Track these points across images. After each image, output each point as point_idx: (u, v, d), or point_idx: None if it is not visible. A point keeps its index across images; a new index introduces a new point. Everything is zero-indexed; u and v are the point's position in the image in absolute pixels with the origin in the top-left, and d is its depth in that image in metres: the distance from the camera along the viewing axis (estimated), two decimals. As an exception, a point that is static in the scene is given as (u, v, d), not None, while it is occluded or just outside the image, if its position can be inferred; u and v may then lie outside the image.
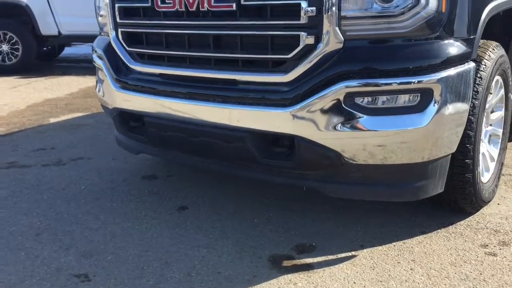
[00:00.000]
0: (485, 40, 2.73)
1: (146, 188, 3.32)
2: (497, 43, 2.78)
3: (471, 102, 2.46)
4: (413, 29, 2.15)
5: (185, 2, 2.45)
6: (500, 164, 3.08)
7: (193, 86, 2.56)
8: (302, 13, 2.19)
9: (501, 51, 2.75)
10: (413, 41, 2.18)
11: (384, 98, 2.18)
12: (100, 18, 3.03)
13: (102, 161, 3.86)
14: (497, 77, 2.80)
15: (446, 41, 2.21)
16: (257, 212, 2.90)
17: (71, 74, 8.18)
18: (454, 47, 2.23)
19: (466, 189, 2.61)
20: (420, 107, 2.19)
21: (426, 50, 2.18)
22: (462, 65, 2.27)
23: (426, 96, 2.18)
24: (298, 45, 2.23)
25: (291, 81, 2.28)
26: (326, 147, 2.26)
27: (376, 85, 2.17)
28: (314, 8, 2.18)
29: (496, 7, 2.46)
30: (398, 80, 2.16)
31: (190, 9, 2.45)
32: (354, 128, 2.21)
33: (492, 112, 2.99)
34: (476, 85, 2.48)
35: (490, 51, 2.62)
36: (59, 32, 8.38)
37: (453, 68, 2.22)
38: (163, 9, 2.56)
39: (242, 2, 2.30)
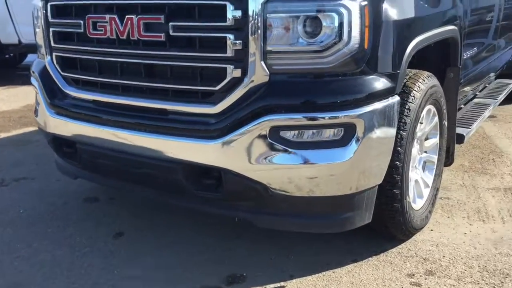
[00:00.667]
0: (417, 71, 2.79)
1: (85, 212, 3.28)
2: (429, 74, 2.85)
3: (399, 133, 2.51)
4: (337, 65, 2.19)
5: (116, 30, 2.43)
6: (435, 189, 3.15)
7: (125, 114, 2.54)
8: (228, 46, 2.20)
9: (432, 81, 2.81)
10: (337, 77, 2.21)
11: (308, 132, 2.21)
12: (37, 40, 2.99)
13: (45, 182, 3.80)
14: (429, 107, 2.86)
15: (369, 77, 2.25)
16: (195, 241, 2.89)
17: (30, 84, 8.02)
18: (377, 83, 2.27)
19: (395, 218, 2.66)
20: (343, 141, 2.22)
21: (349, 86, 2.22)
22: (385, 100, 2.31)
23: (349, 130, 2.21)
24: (225, 77, 2.24)
25: (219, 113, 2.28)
26: (253, 180, 2.28)
27: (300, 119, 2.19)
28: (240, 41, 2.19)
29: (422, 41, 2.51)
30: (322, 115, 2.18)
31: (121, 37, 2.43)
32: (279, 161, 2.23)
33: (426, 139, 3.06)
34: (404, 117, 2.53)
35: (420, 82, 2.68)
36: (19, 41, 8.26)
37: (376, 103, 2.26)
38: (95, 36, 2.54)
39: (171, 33, 2.30)
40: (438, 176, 3.16)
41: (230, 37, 2.19)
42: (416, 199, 2.93)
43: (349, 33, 2.15)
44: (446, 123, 3.13)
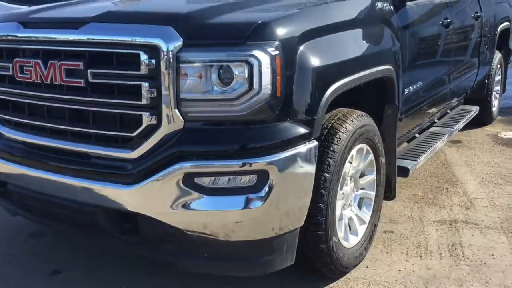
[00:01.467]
0: (348, 111, 2.83)
1: (27, 248, 3.29)
2: (361, 113, 2.88)
3: (322, 175, 2.54)
4: (249, 113, 2.22)
5: (40, 75, 2.47)
6: (373, 226, 3.17)
7: (51, 157, 2.56)
8: (143, 94, 2.23)
9: (363, 120, 2.84)
10: (250, 124, 2.25)
11: (222, 178, 2.23)
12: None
13: (-5, 215, 3.81)
14: (361, 145, 2.89)
15: (282, 124, 2.28)
16: (129, 280, 2.90)
17: None
18: (291, 129, 2.30)
19: (322, 258, 2.68)
20: (257, 188, 2.24)
21: (262, 133, 2.25)
22: (301, 145, 2.34)
23: (262, 177, 2.24)
24: (142, 124, 2.27)
25: (136, 158, 2.31)
26: (169, 225, 2.29)
27: (214, 166, 2.22)
28: (155, 89, 2.22)
29: (342, 86, 2.54)
30: (235, 162, 2.21)
31: (45, 82, 2.47)
32: (194, 207, 2.25)
33: (362, 176, 3.09)
34: (328, 159, 2.56)
35: (348, 123, 2.71)
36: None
37: (290, 149, 2.28)
38: (23, 79, 2.58)
39: (90, 80, 2.34)
40: (376, 212, 3.18)
41: (145, 85, 2.23)
42: (350, 237, 2.95)
43: (260, 82, 2.19)
44: (383, 160, 3.16)
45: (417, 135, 4.43)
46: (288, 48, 2.28)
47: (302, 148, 2.34)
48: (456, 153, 5.34)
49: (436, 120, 4.97)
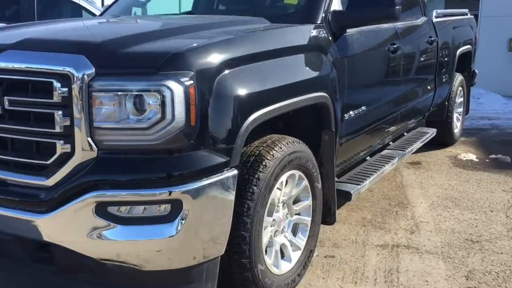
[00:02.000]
0: (279, 137, 2.84)
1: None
2: (293, 140, 2.89)
3: (245, 203, 2.54)
4: (163, 142, 2.22)
5: (-40, 101, 2.45)
6: (309, 251, 3.16)
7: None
8: (56, 122, 2.22)
9: (293, 147, 2.85)
10: (164, 153, 2.24)
11: (135, 208, 2.22)
12: None
13: None
14: (292, 172, 2.90)
15: (197, 153, 2.28)
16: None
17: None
18: (206, 159, 2.30)
19: (248, 286, 2.66)
20: (170, 218, 2.23)
21: (176, 162, 2.24)
22: (218, 174, 2.33)
23: (176, 206, 2.23)
24: (56, 152, 2.26)
25: (51, 186, 2.29)
26: (83, 254, 2.27)
27: (126, 195, 2.21)
28: (68, 118, 2.22)
29: (264, 115, 2.54)
30: (147, 192, 2.20)
31: (-36, 108, 2.45)
32: (107, 237, 2.23)
33: (296, 202, 3.09)
34: (252, 186, 2.56)
35: (276, 150, 2.72)
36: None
37: (206, 178, 2.28)
38: None
39: (7, 107, 2.33)
40: (312, 237, 3.18)
41: (58, 113, 2.22)
42: (281, 264, 2.94)
43: (173, 112, 2.19)
44: (319, 185, 3.17)
45: (368, 157, 4.47)
46: (204, 77, 2.29)
47: (219, 177, 2.33)
48: (413, 175, 5.39)
49: (391, 143, 5.02)
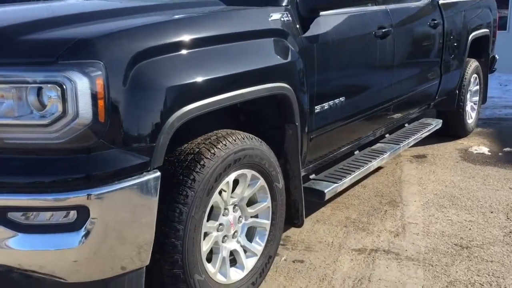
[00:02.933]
0: (228, 132, 2.57)
1: None
2: (244, 135, 2.61)
3: (177, 208, 2.28)
4: (67, 140, 1.97)
5: None
6: (268, 257, 2.88)
7: None
8: (-47, 118, 2.01)
9: (243, 144, 2.56)
10: (69, 153, 1.99)
11: (38, 214, 1.99)
12: None
13: None
14: (242, 171, 2.61)
15: (108, 153, 2.02)
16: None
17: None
18: (120, 159, 2.04)
19: (184, 298, 2.42)
20: (76, 225, 1.99)
21: (83, 164, 1.99)
22: (136, 177, 2.07)
23: (82, 213, 1.98)
24: (-51, 152, 2.04)
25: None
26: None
27: (28, 200, 1.97)
28: (-37, 113, 1.99)
29: (196, 109, 2.25)
30: (50, 196, 1.96)
31: None
32: (10, 245, 2.00)
33: (253, 203, 2.81)
34: (186, 189, 2.29)
35: (219, 148, 2.44)
36: None
37: (118, 182, 2.02)
38: None
39: None
40: (272, 242, 2.90)
41: (-46, 108, 2.00)
42: (230, 272, 2.67)
43: (76, 107, 1.94)
44: (279, 185, 2.87)
45: (356, 152, 4.13)
46: (118, 67, 2.02)
47: (136, 180, 2.07)
48: (414, 170, 5.00)
49: (387, 135, 4.65)
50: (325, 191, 3.33)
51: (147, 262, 2.22)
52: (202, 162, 2.37)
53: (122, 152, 2.04)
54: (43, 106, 1.97)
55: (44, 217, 1.98)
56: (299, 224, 3.15)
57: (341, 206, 4.10)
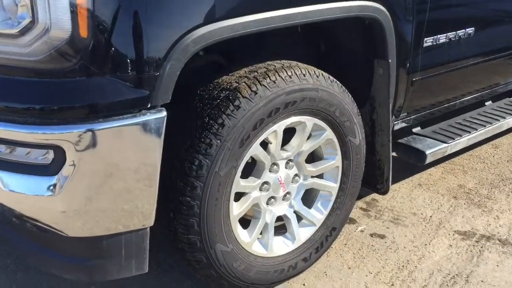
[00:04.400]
0: (287, 64, 1.93)
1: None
2: (307, 70, 1.93)
3: (195, 159, 1.74)
4: (42, 59, 1.48)
5: None
6: (330, 229, 2.26)
7: None
8: None
9: (301, 82, 1.89)
10: (44, 76, 1.51)
11: (16, 150, 1.58)
12: None
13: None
14: (300, 118, 1.96)
15: (91, 80, 1.49)
16: None
17: None
18: (107, 89, 1.50)
19: (203, 271, 1.93)
20: (51, 169, 1.55)
21: (58, 91, 1.50)
22: (131, 115, 1.54)
23: (58, 155, 1.53)
24: None
25: None
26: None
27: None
28: None
29: (222, 30, 1.60)
30: (17, 128, 1.53)
31: None
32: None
33: (317, 160, 2.17)
34: (210, 136, 1.73)
35: (265, 85, 1.81)
36: None
37: (103, 121, 1.51)
38: None
39: None
40: (338, 211, 2.25)
41: None
42: (274, 243, 2.11)
43: (49, 14, 1.43)
44: (356, 140, 2.17)
45: (488, 102, 3.18)
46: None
47: (130, 119, 1.54)
48: None
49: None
50: (427, 152, 2.53)
51: (150, 223, 1.74)
52: (236, 103, 1.77)
53: (111, 80, 1.51)
54: (8, 10, 1.50)
55: (25, 154, 1.57)
56: (382, 191, 2.44)
57: (457, 169, 3.25)
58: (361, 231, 2.59)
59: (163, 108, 1.61)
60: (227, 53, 2.18)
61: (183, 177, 1.77)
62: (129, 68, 1.52)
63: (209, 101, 1.81)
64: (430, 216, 2.73)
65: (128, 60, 1.52)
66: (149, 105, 1.57)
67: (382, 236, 2.55)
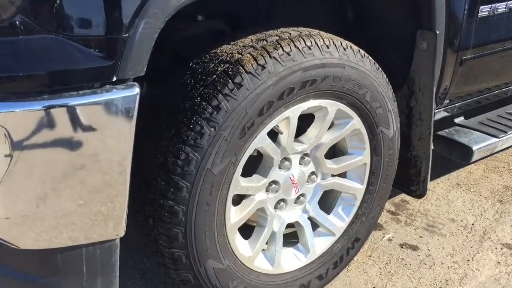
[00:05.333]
0: (305, 32, 1.49)
1: None
2: (332, 41, 1.50)
3: (182, 152, 1.33)
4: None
5: None
6: (353, 240, 1.84)
7: None
8: None
9: (323, 56, 1.46)
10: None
11: None
12: None
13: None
14: (321, 102, 1.53)
15: (33, 41, 1.08)
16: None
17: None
18: (55, 55, 1.09)
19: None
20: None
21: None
22: (90, 91, 1.13)
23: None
24: None
25: None
26: None
27: None
28: None
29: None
30: None
31: None
32: None
33: (339, 155, 1.74)
34: (199, 123, 1.32)
35: (275, 58, 1.38)
36: None
37: (48, 96, 1.11)
38: None
39: None
40: (362, 218, 1.83)
41: None
42: (285, 256, 1.70)
43: None
44: (390, 132, 1.74)
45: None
46: None
47: (91, 96, 1.13)
48: None
49: None
50: (474, 148, 2.08)
51: (120, 233, 1.34)
52: (238, 79, 1.35)
53: (59, 41, 1.10)
54: None
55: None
56: (418, 194, 2.00)
57: (501, 167, 2.79)
58: (389, 239, 2.16)
59: (135, 84, 1.19)
60: (234, 20, 1.77)
61: (165, 175, 1.36)
62: (84, 26, 1.11)
63: (203, 77, 1.39)
64: (472, 224, 2.28)
65: (81, 16, 1.10)
66: (114, 78, 1.16)
67: (414, 248, 2.12)
